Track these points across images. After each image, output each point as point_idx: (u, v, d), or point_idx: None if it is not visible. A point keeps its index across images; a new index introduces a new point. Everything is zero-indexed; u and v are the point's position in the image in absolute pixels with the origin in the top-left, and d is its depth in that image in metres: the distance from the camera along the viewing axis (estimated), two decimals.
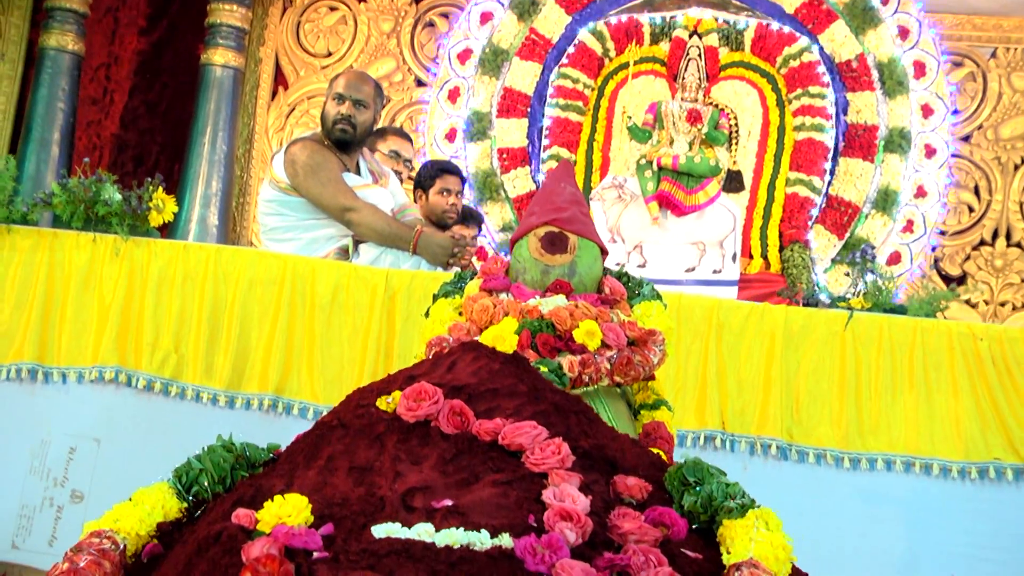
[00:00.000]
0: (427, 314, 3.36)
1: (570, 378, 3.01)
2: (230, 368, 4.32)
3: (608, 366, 3.08)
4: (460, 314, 3.29)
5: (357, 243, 4.97)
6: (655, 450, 3.09)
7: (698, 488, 2.30)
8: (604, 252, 3.40)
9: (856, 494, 4.16)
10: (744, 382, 4.26)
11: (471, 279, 3.41)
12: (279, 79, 8.06)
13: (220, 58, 7.69)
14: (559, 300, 3.17)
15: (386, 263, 4.89)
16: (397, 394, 2.36)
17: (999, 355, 4.26)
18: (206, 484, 2.27)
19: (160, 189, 4.45)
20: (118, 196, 4.38)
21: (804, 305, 6.81)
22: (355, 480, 2.16)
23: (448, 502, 2.09)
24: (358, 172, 5.14)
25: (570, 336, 3.09)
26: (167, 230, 7.46)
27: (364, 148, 5.26)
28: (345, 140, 5.01)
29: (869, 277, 4.41)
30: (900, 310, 4.36)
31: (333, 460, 2.23)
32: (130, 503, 2.22)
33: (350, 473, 2.18)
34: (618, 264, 6.95)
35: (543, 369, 2.95)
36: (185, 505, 2.27)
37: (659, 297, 3.37)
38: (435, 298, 3.40)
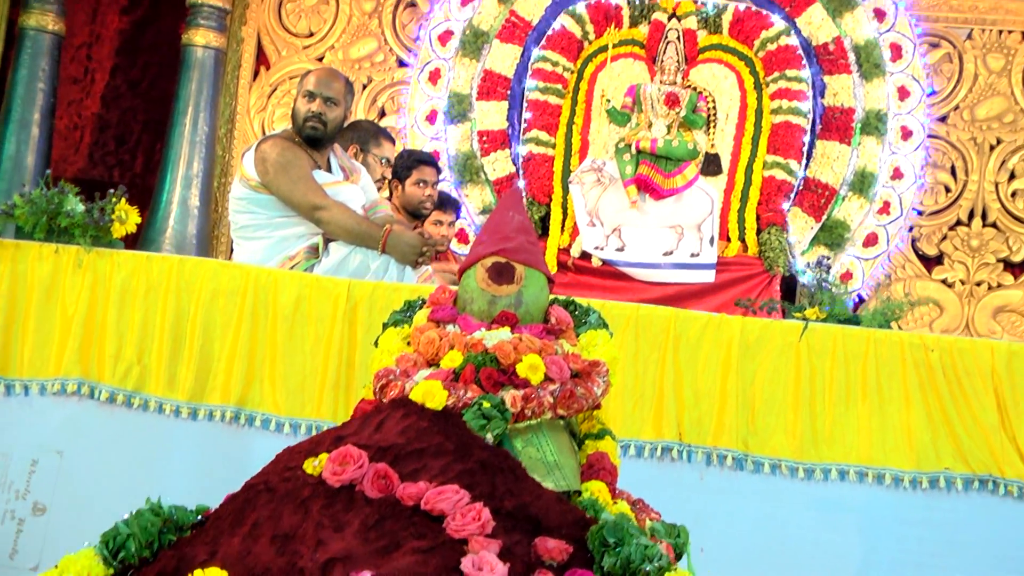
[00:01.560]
0: (376, 343, 3.40)
1: (513, 413, 3.06)
2: (193, 379, 4.37)
3: (551, 400, 3.12)
4: (409, 344, 3.34)
5: (327, 241, 5.01)
6: (597, 483, 3.16)
7: (618, 550, 2.35)
8: (551, 281, 3.44)
9: (811, 504, 4.23)
10: (701, 393, 4.31)
11: (420, 308, 3.46)
12: (261, 59, 8.06)
13: (201, 39, 7.69)
14: (503, 334, 3.21)
15: (355, 262, 4.94)
16: (324, 457, 2.41)
17: (949, 366, 4.32)
18: (133, 549, 2.33)
19: (123, 200, 4.49)
20: (80, 207, 4.42)
21: (782, 284, 6.93)
22: (277, 549, 2.21)
23: (367, 573, 2.15)
24: (329, 169, 5.17)
25: (514, 370, 3.14)
26: (148, 213, 7.50)
27: (336, 144, 5.29)
28: (316, 137, 5.05)
29: (825, 287, 4.44)
30: (854, 321, 4.40)
31: (258, 527, 2.28)
32: (56, 571, 2.27)
33: (273, 541, 2.23)
34: (597, 248, 7.01)
35: (486, 404, 3.01)
36: (112, 571, 2.33)
37: (605, 325, 3.41)
38: (384, 327, 3.44)
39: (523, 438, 3.10)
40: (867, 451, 4.26)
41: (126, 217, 4.46)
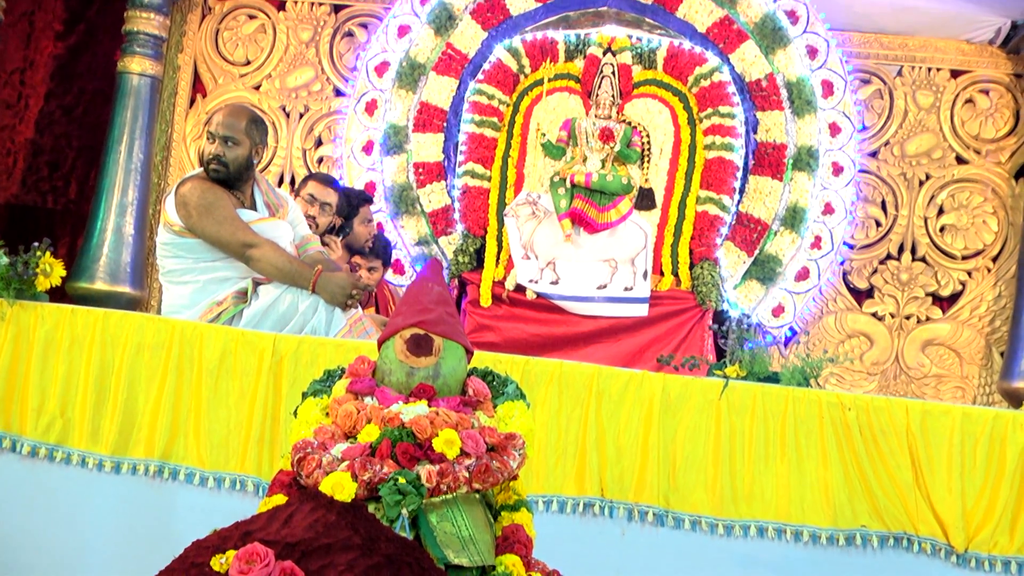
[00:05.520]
0: (295, 413, 3.43)
1: (428, 488, 3.11)
2: (116, 433, 4.38)
3: (467, 474, 3.17)
4: (327, 415, 3.37)
5: (256, 285, 5.01)
6: (511, 556, 3.21)
7: None
8: (469, 352, 3.48)
9: (730, 560, 4.30)
10: (623, 449, 4.37)
11: (339, 377, 3.48)
12: (197, 86, 8.03)
13: (137, 66, 7.63)
14: (420, 408, 3.25)
15: (285, 304, 4.95)
16: (231, 554, 2.43)
17: (865, 424, 4.41)
18: None
19: (48, 253, 4.48)
20: (5, 260, 4.41)
21: (714, 320, 7.00)
22: None
23: None
24: (253, 206, 5.16)
25: (430, 445, 3.18)
26: (82, 240, 7.47)
27: (258, 179, 5.27)
28: (220, 179, 5.04)
29: (747, 346, 4.51)
30: (773, 379, 4.47)
31: None
32: None
33: None
34: (531, 280, 7.04)
35: (401, 480, 3.06)
36: None
37: (523, 396, 3.45)
38: (304, 396, 3.47)
39: (438, 512, 3.15)
40: (785, 508, 4.34)
41: (50, 270, 4.45)
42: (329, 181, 6.18)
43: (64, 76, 8.08)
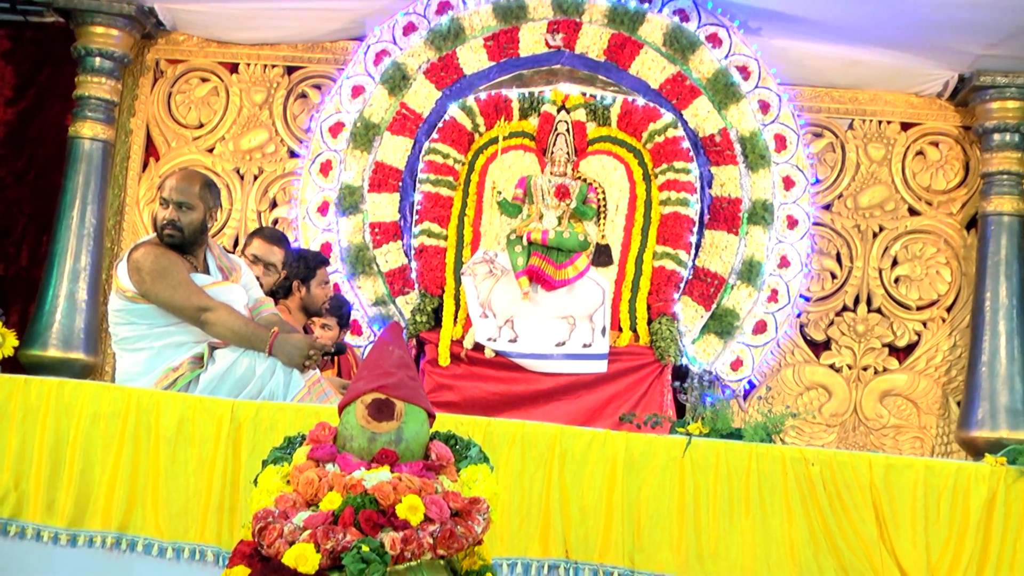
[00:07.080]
0: (256, 482, 3.38)
1: (392, 555, 3.07)
2: (72, 505, 4.31)
3: (431, 540, 3.14)
4: (288, 483, 3.32)
5: (212, 349, 4.96)
6: None
7: None
8: (431, 416, 3.45)
9: None
10: (587, 509, 4.35)
11: (300, 444, 3.44)
12: (150, 150, 7.99)
13: (89, 131, 7.60)
14: (383, 474, 3.22)
15: (242, 367, 4.89)
16: None
17: (829, 479, 4.41)
18: None
19: (0, 324, 4.42)
20: None
21: (673, 374, 7.00)
22: None
23: None
24: (206, 270, 5.12)
25: (393, 511, 3.15)
26: (34, 307, 7.40)
27: (210, 243, 5.23)
28: (174, 244, 5.00)
29: (708, 401, 4.51)
30: (736, 435, 4.47)
31: None
32: None
33: None
34: (490, 339, 7.02)
35: (365, 548, 3.02)
36: None
37: (486, 459, 3.43)
38: (264, 464, 3.42)
39: None
40: (751, 565, 4.32)
41: (3, 341, 4.39)
42: (276, 238, 6.08)
43: (15, 142, 8.02)
